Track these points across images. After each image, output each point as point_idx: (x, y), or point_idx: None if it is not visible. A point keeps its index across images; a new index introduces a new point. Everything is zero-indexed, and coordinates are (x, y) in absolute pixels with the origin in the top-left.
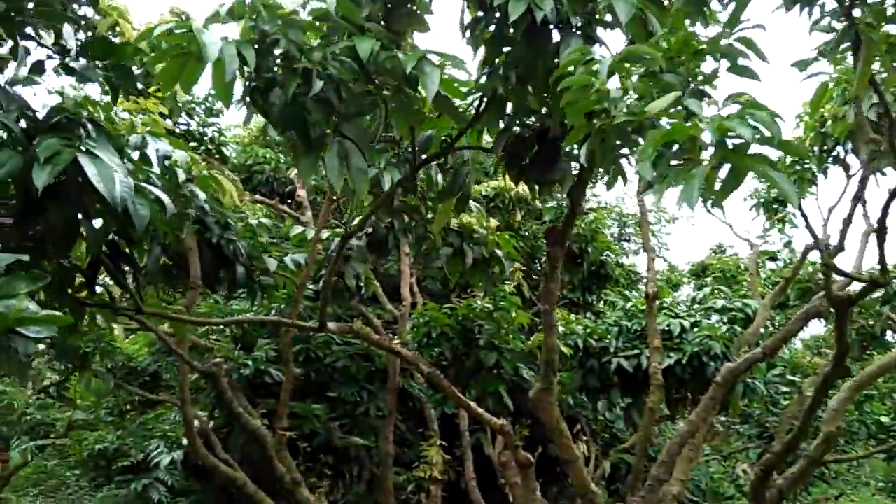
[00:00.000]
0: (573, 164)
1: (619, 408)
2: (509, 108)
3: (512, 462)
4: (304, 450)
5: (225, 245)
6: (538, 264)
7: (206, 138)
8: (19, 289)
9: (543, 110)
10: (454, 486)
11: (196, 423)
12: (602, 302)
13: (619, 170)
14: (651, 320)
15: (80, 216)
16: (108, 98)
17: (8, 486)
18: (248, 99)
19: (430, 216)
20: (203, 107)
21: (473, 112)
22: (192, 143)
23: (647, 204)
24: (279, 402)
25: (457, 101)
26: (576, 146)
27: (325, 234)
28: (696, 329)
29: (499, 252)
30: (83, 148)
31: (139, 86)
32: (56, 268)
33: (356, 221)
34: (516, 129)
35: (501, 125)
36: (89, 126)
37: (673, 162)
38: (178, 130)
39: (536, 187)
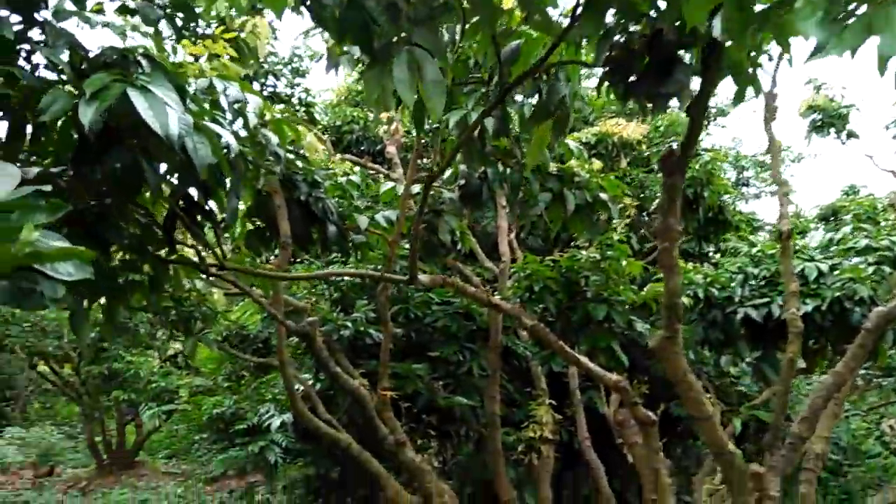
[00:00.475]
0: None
1: (746, 362)
2: (611, 12)
3: (630, 421)
4: (407, 410)
5: (314, 203)
6: (647, 216)
7: (293, 99)
8: (36, 220)
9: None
10: (567, 447)
11: (299, 386)
12: (720, 253)
13: (749, 79)
14: (786, 262)
15: (142, 162)
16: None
17: (143, 450)
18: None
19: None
20: (289, 68)
21: (569, 20)
22: (279, 106)
23: (774, 133)
24: (380, 363)
25: (549, 12)
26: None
27: (415, 189)
28: (835, 272)
29: (603, 196)
30: (136, 83)
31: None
32: (135, 224)
33: (448, 174)
34: (621, 36)
35: (603, 32)
36: (144, 62)
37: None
38: (264, 94)
39: (648, 105)
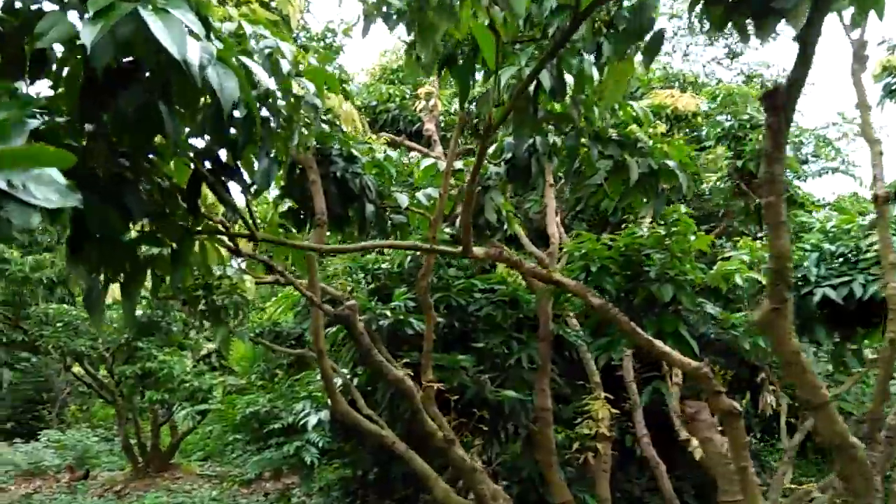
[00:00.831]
0: None
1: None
2: None
3: (702, 414)
4: (454, 405)
5: (350, 179)
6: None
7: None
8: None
9: None
10: (619, 445)
11: (338, 380)
12: None
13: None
14: (883, 230)
15: (158, 104)
16: None
17: (178, 452)
18: None
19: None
20: (321, 44)
21: None
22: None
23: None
24: (423, 354)
25: None
26: None
27: (458, 164)
28: None
29: (669, 163)
30: (150, 5)
31: None
32: (155, 188)
33: (493, 148)
34: None
35: None
36: None
37: None
38: None
39: (749, 31)
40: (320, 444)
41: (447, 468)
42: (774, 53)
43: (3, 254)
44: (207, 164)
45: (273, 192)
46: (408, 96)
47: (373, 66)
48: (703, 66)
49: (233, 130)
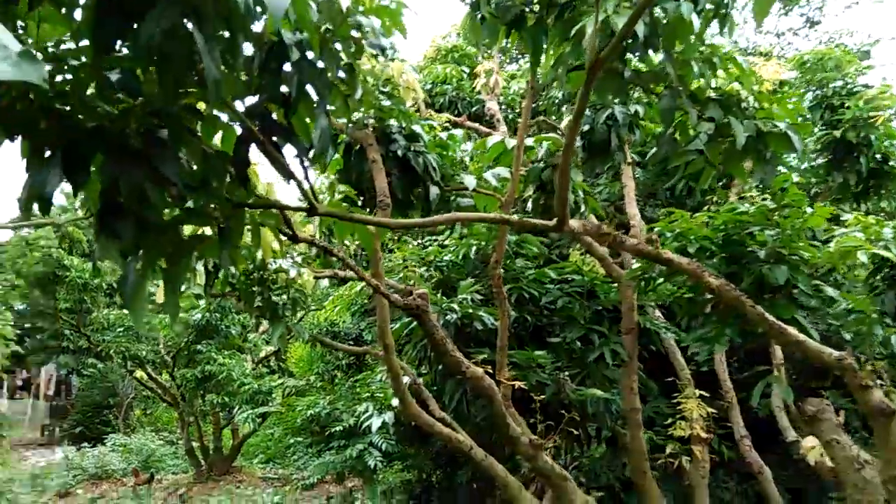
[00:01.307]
0: None
1: None
2: None
3: (825, 413)
4: (532, 405)
5: (413, 158)
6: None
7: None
8: None
9: None
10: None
11: (405, 378)
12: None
13: None
14: None
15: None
16: None
17: (240, 455)
18: None
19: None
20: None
21: None
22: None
23: None
24: (498, 350)
25: None
26: None
27: (529, 142)
28: None
29: (779, 125)
30: None
31: None
32: (195, 152)
33: (566, 122)
34: None
35: None
36: None
37: None
38: None
39: None
40: (383, 448)
41: (514, 473)
42: (856, 20)
43: (64, 260)
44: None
45: (315, 178)
46: (465, 77)
47: (427, 49)
48: (778, 37)
49: (284, 88)
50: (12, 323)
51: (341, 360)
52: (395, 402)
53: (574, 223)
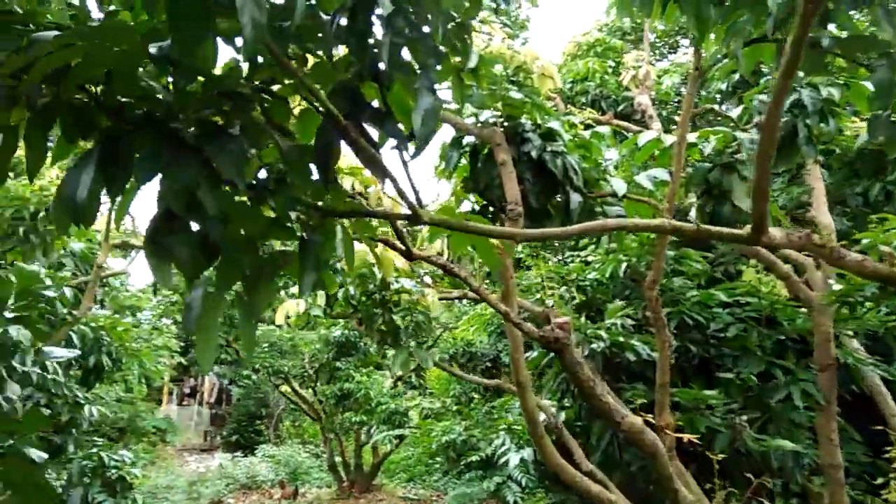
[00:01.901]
0: None
1: None
2: None
3: None
4: (696, 455)
5: (550, 161)
6: None
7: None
8: None
9: None
10: None
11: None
12: None
13: None
14: None
15: None
16: None
17: (381, 472)
18: None
19: None
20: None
21: None
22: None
23: None
24: (657, 388)
25: None
26: None
27: (692, 138)
28: None
29: None
30: None
31: None
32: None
33: (739, 110)
34: None
35: None
36: None
37: None
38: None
39: None
40: (523, 482)
41: None
42: None
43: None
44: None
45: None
46: (610, 72)
47: (565, 47)
48: None
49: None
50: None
51: (478, 385)
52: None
53: (775, 232)
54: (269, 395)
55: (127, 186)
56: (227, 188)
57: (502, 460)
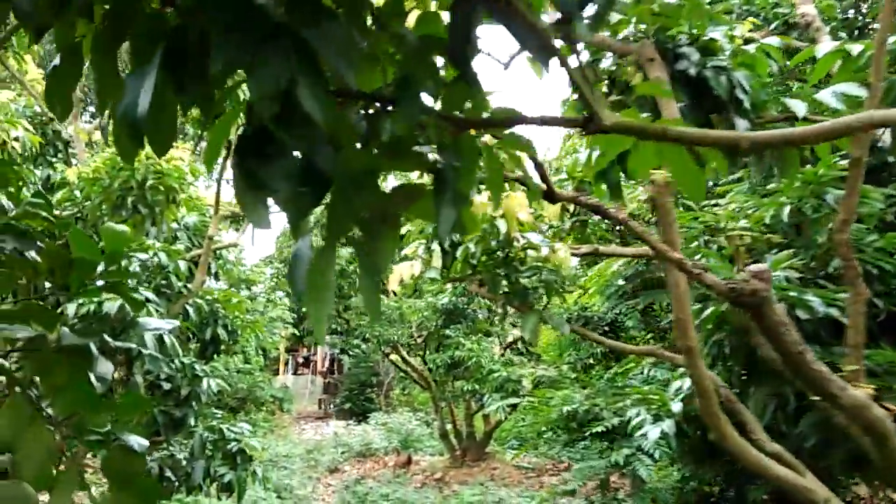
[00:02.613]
0: None
1: None
2: None
3: None
4: None
5: (713, 78)
6: None
7: None
8: None
9: None
10: None
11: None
12: None
13: None
14: None
15: None
16: None
17: (492, 439)
18: None
19: None
20: None
21: None
22: None
23: None
24: (850, 349)
25: None
26: None
27: (892, 39)
28: None
29: None
30: None
31: None
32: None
33: None
34: None
35: None
36: None
37: None
38: None
39: None
40: (656, 455)
41: None
42: None
43: None
44: None
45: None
46: None
47: None
48: None
49: None
50: (289, 308)
51: (595, 348)
52: (675, 407)
53: None
54: (378, 364)
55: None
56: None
57: (639, 433)
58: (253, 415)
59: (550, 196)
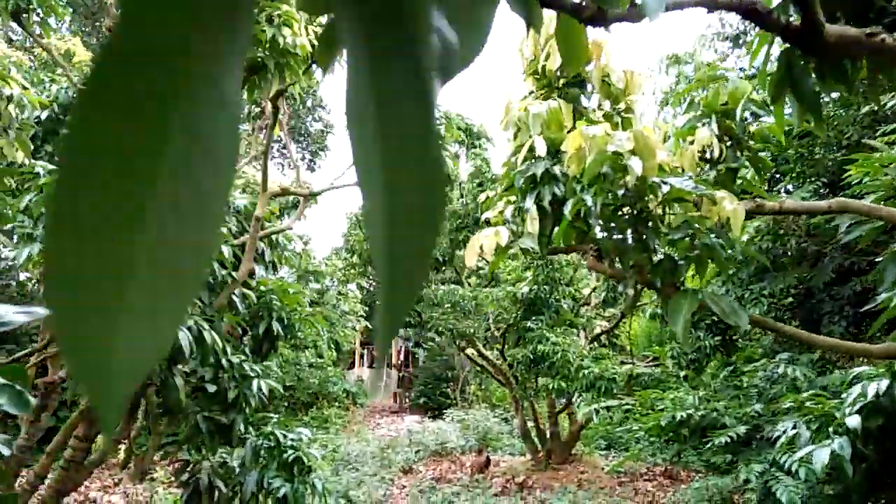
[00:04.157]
0: None
1: None
2: None
3: None
4: None
5: None
6: None
7: None
8: None
9: None
10: None
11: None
12: None
13: None
14: None
15: None
16: None
17: (579, 440)
18: None
19: None
20: None
21: None
22: None
23: None
24: None
25: None
26: None
27: None
28: None
29: None
30: None
31: None
32: None
33: None
34: None
35: None
36: None
37: None
38: None
39: None
40: (801, 474)
41: None
42: None
43: None
44: None
45: None
46: None
47: None
48: None
49: None
50: (361, 301)
51: (703, 340)
52: (850, 421)
53: None
54: (453, 358)
55: None
56: None
57: (799, 454)
58: (325, 410)
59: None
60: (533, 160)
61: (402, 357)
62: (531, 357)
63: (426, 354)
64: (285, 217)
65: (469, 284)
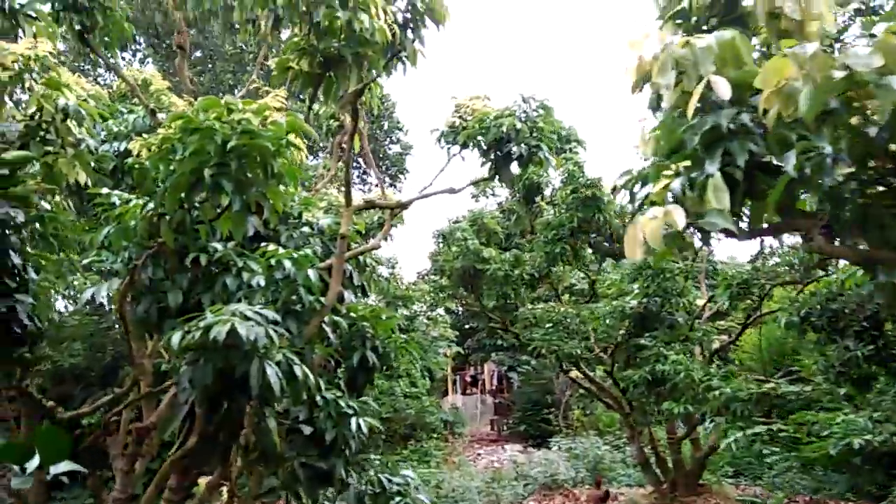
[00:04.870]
0: None
1: None
2: None
3: None
4: None
5: None
6: None
7: None
8: None
9: None
10: None
11: None
12: None
13: None
14: None
15: None
16: None
17: (704, 468)
18: None
19: None
20: None
21: None
22: None
23: None
24: None
25: None
26: None
27: None
28: None
29: None
30: None
31: None
32: None
33: None
34: None
35: None
36: None
37: None
38: None
39: None
40: None
41: None
42: None
43: (482, 252)
44: None
45: None
46: None
47: None
48: None
49: None
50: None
51: (853, 350)
52: None
53: None
54: (552, 382)
55: None
56: None
57: None
58: (424, 443)
59: None
60: (701, 115)
61: (495, 382)
62: (649, 378)
63: (521, 378)
64: (370, 238)
65: (562, 301)
